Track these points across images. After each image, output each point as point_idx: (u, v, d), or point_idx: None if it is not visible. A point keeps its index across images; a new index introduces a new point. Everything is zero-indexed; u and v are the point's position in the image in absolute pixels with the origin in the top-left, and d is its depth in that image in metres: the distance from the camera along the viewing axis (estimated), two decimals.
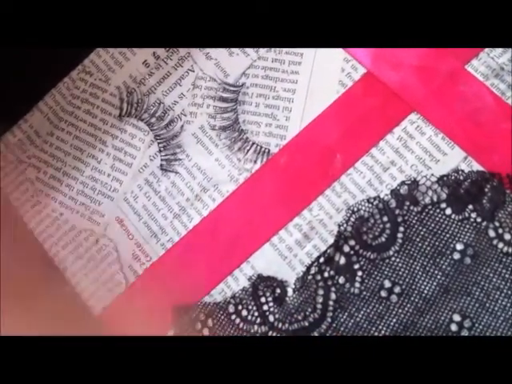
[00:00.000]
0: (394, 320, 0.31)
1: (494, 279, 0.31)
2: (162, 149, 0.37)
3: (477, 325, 0.30)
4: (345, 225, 0.33)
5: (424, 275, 0.31)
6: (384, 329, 0.31)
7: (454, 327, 0.30)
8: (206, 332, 0.33)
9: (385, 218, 0.32)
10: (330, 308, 0.32)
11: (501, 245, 0.31)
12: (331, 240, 0.33)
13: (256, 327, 0.32)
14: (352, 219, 0.33)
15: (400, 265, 0.32)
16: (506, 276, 0.30)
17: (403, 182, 0.32)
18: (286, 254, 0.33)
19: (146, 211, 0.36)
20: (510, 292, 0.30)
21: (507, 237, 0.31)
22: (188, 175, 0.36)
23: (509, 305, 0.30)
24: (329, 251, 0.32)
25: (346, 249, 0.32)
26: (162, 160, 0.37)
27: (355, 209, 0.33)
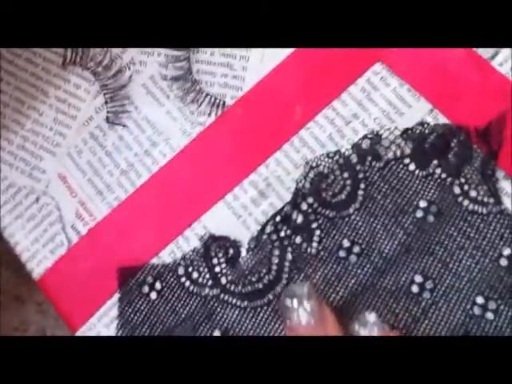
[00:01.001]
0: (353, 281, 0.29)
1: (458, 238, 0.29)
2: (108, 100, 0.34)
3: (439, 286, 0.29)
4: (303, 181, 0.30)
5: (385, 234, 0.29)
6: (342, 290, 0.29)
7: (415, 289, 0.29)
8: (153, 296, 0.30)
9: (345, 174, 0.30)
10: (286, 269, 0.30)
11: (466, 202, 0.29)
12: (288, 197, 0.31)
13: (207, 290, 0.30)
14: (311, 175, 0.30)
15: (360, 223, 0.30)
16: (471, 235, 0.29)
17: (365, 136, 0.30)
18: (241, 213, 0.31)
19: (91, 167, 0.33)
20: (474, 252, 0.29)
21: (473, 194, 0.29)
22: (137, 129, 0.33)
23: (473, 265, 0.29)
24: (285, 209, 0.30)
25: (304, 206, 0.30)
26: (108, 112, 0.34)
27: (314, 164, 0.31)
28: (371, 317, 0.27)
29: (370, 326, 0.27)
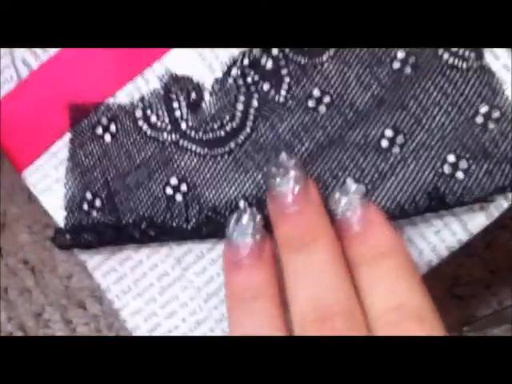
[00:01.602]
0: (320, 133, 0.27)
1: (435, 93, 0.27)
2: None
3: (410, 142, 0.27)
4: None
5: (358, 85, 0.28)
6: (308, 142, 0.27)
7: (384, 143, 0.27)
8: (107, 138, 0.28)
9: None
10: (251, 117, 0.28)
11: (446, 55, 0.27)
12: None
13: (166, 135, 0.28)
14: None
15: (333, 72, 0.28)
16: (448, 91, 0.27)
17: None
18: (207, 54, 0.29)
19: None
20: (450, 108, 0.27)
21: (455, 48, 0.27)
22: None
23: (447, 122, 0.27)
24: (255, 53, 0.28)
25: (275, 51, 0.28)
26: None
27: None
28: (352, 185, 0.26)
29: (351, 193, 0.26)
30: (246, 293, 0.25)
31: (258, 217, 0.26)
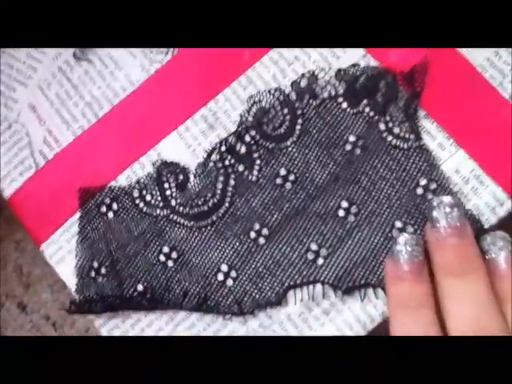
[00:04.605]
0: (287, 205, 0.33)
1: (381, 170, 0.32)
2: None
3: (362, 211, 0.32)
4: (246, 115, 0.34)
5: (317, 164, 0.33)
6: (277, 213, 0.33)
7: (341, 213, 0.32)
8: (110, 215, 0.34)
9: (285, 110, 0.33)
10: (229, 194, 0.33)
11: (390, 138, 0.32)
12: (234, 130, 0.34)
13: (158, 211, 0.34)
14: (254, 109, 0.34)
15: (296, 154, 0.33)
16: (393, 167, 0.32)
17: (303, 75, 0.33)
18: (191, 143, 0.34)
19: (59, 99, 0.36)
20: (395, 182, 0.32)
21: (396, 130, 0.32)
22: (100, 64, 0.36)
23: (393, 193, 0.32)
24: (230, 140, 0.34)
25: (247, 138, 0.34)
26: (75, 48, 0.37)
27: (257, 99, 0.34)
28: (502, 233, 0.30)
29: (503, 239, 0.30)
30: (411, 301, 0.29)
31: (422, 241, 0.30)
